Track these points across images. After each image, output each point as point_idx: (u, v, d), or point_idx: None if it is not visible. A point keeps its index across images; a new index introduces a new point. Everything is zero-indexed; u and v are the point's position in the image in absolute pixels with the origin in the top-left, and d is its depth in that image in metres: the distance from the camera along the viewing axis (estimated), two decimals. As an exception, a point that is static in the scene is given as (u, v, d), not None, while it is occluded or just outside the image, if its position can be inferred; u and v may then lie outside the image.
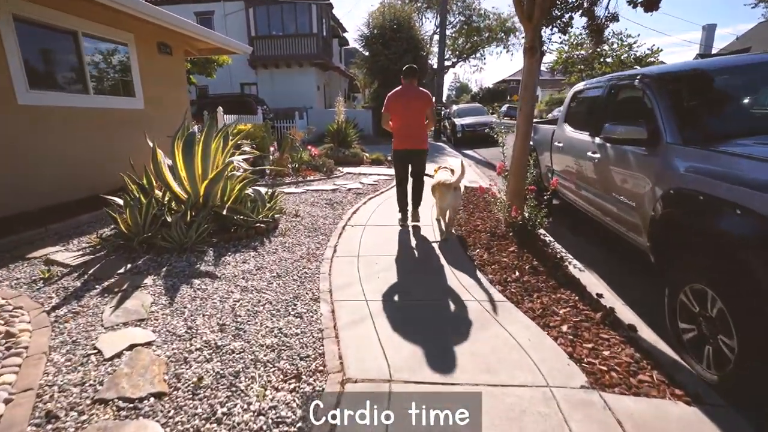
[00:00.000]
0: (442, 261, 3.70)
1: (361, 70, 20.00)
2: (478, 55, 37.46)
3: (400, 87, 4.43)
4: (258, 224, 4.16)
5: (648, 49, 26.26)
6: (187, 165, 4.09)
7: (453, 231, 4.44)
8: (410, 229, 4.69)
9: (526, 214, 4.18)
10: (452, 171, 4.57)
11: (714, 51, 27.79)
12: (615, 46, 27.74)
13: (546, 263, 3.61)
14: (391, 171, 9.00)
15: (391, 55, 17.95)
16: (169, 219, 3.83)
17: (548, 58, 34.76)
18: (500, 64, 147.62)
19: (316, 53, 18.40)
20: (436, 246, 4.11)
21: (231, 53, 9.26)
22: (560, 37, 27.92)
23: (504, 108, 47.86)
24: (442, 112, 19.76)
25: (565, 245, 4.17)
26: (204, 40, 7.77)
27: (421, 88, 4.45)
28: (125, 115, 6.29)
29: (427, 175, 4.87)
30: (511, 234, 4.31)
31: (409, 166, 4.63)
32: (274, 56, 18.51)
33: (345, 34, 27.04)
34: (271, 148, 7.56)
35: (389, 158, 10.39)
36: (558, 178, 4.39)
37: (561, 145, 4.72)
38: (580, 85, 4.80)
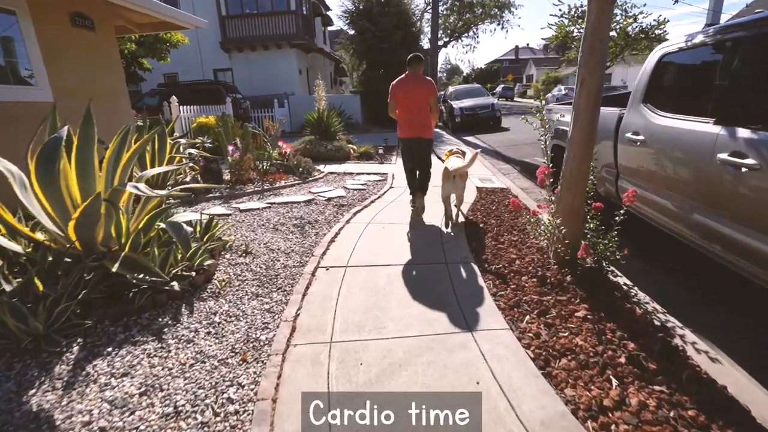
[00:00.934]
0: (482, 363, 2.16)
1: (347, 51, 18.17)
2: (470, 33, 35.49)
3: (404, 75, 4.38)
4: (169, 285, 2.59)
5: (654, 20, 24.56)
6: (49, 191, 2.50)
7: (461, 218, 4.36)
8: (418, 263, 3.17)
9: (585, 242, 2.67)
10: (464, 154, 4.53)
11: (723, 20, 26.11)
12: (619, 17, 25.98)
13: (648, 345, 2.10)
14: (383, 168, 7.45)
15: (379, 32, 16.13)
16: (7, 287, 2.26)
17: (547, 33, 32.79)
18: (492, 44, 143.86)
19: (295, 33, 16.53)
20: (462, 312, 2.56)
21: (180, 28, 7.51)
22: (560, 10, 26.07)
23: (499, 89, 46.06)
24: (438, 94, 18.10)
25: (645, 287, 2.69)
26: (139, 11, 6.05)
27: (425, 77, 4.41)
28: (20, 111, 4.63)
29: (439, 158, 4.80)
30: (568, 278, 2.79)
31: (414, 154, 4.58)
32: (249, 38, 16.62)
33: (329, 13, 24.99)
34: (230, 148, 5.94)
35: (380, 151, 8.77)
36: (636, 189, 2.86)
37: (641, 138, 3.15)
38: (671, 45, 3.16)
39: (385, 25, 16.20)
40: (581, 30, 25.80)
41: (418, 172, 4.64)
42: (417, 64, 4.30)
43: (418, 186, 4.62)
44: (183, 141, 5.75)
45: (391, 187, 6.02)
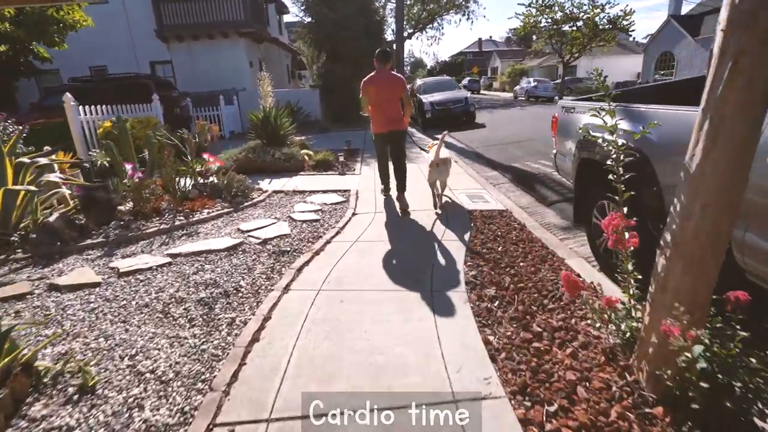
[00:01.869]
0: None
1: (305, 41, 16.36)
2: (435, 24, 34.25)
3: (374, 72, 4.40)
4: None
5: (621, 10, 24.13)
6: None
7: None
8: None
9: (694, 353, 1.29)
10: (445, 144, 4.70)
11: (684, 11, 26.14)
12: (586, 7, 25.44)
13: None
14: (345, 182, 5.98)
15: (339, 19, 14.47)
16: None
17: (513, 24, 31.77)
18: (455, 36, 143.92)
19: (243, 20, 14.58)
20: None
21: (57, 1, 5.62)
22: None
23: (465, 81, 45.16)
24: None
25: None
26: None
27: (395, 74, 4.53)
28: None
29: (423, 149, 5.53)
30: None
31: (388, 148, 4.68)
32: (190, 25, 14.51)
33: (284, 0, 22.93)
34: (128, 167, 4.22)
35: (341, 158, 7.23)
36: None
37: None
38: None
39: (345, 12, 14.55)
40: (549, 20, 25.05)
41: (393, 170, 4.73)
42: (385, 59, 4.35)
43: (398, 185, 4.69)
44: (43, 160, 3.97)
45: (354, 213, 4.51)
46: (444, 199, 4.80)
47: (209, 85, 14.92)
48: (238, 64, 15.46)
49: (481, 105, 21.02)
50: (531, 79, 27.46)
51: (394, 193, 4.79)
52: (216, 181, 5.03)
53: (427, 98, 13.59)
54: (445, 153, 4.51)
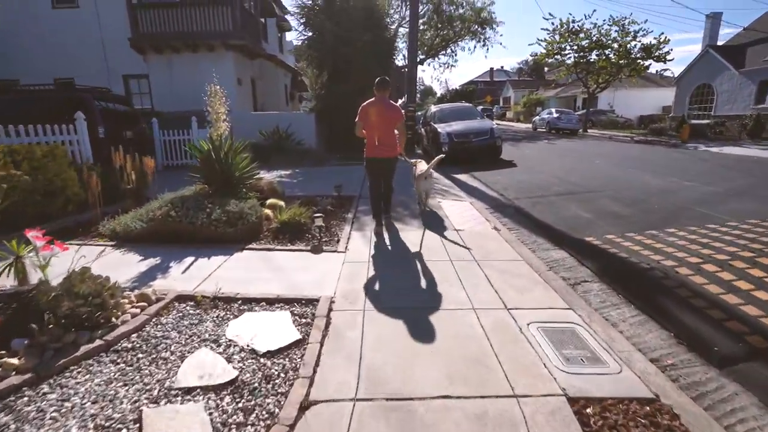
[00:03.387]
0: None
1: (304, 59, 14.26)
2: (448, 51, 32.60)
3: (374, 98, 4.58)
4: None
5: (655, 38, 22.06)
6: None
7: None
8: None
9: None
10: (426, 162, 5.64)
11: (720, 42, 24.05)
12: (614, 34, 23.44)
13: None
14: (317, 273, 3.39)
15: (342, 32, 12.37)
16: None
17: (533, 50, 29.92)
18: (465, 65, 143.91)
19: (231, 31, 12.55)
20: None
21: None
22: (552, 24, 23.27)
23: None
24: (416, 115, 14.34)
25: None
26: None
27: (393, 102, 4.72)
28: None
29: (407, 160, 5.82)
30: None
31: (380, 172, 4.79)
32: (170, 34, 12.49)
33: (290, 17, 21.14)
34: None
35: (318, 220, 4.71)
36: None
37: None
38: None
39: (349, 24, 12.47)
40: (574, 47, 23.02)
41: (383, 188, 4.86)
42: (384, 87, 4.52)
43: (384, 207, 4.93)
44: None
45: (311, 383, 1.99)
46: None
47: (190, 103, 12.72)
48: (224, 82, 13.24)
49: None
50: (553, 110, 25.26)
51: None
52: (44, 285, 2.51)
53: (443, 128, 11.22)
54: (425, 165, 5.50)
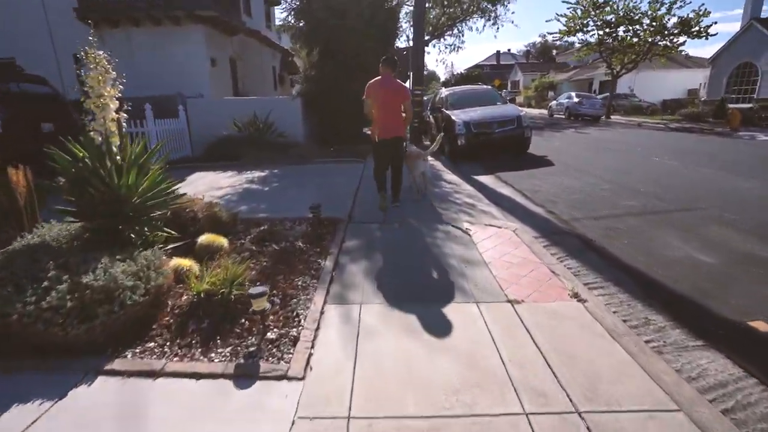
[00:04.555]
0: None
1: (289, 32, 12.00)
2: (455, 31, 30.09)
3: (379, 77, 4.55)
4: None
5: (693, 11, 19.48)
6: None
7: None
8: None
9: None
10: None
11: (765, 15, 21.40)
12: (644, 7, 20.77)
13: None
14: None
15: (336, 3, 10.15)
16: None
17: (552, 27, 27.18)
18: (471, 49, 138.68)
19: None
20: None
21: None
22: (574, -3, 20.65)
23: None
24: (424, 100, 12.10)
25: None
26: None
27: (399, 81, 4.68)
28: None
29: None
30: None
31: (388, 152, 4.74)
32: (126, 5, 10.30)
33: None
34: None
35: (258, 295, 2.56)
36: None
37: None
38: None
39: (344, -7, 10.24)
40: (599, 23, 20.47)
41: (391, 173, 4.87)
42: (389, 65, 4.53)
43: (393, 190, 4.95)
44: None
45: None
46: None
47: (154, 88, 10.62)
48: (193, 61, 11.14)
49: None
50: (573, 94, 22.85)
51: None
52: None
53: (459, 115, 9.04)
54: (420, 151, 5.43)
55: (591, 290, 2.99)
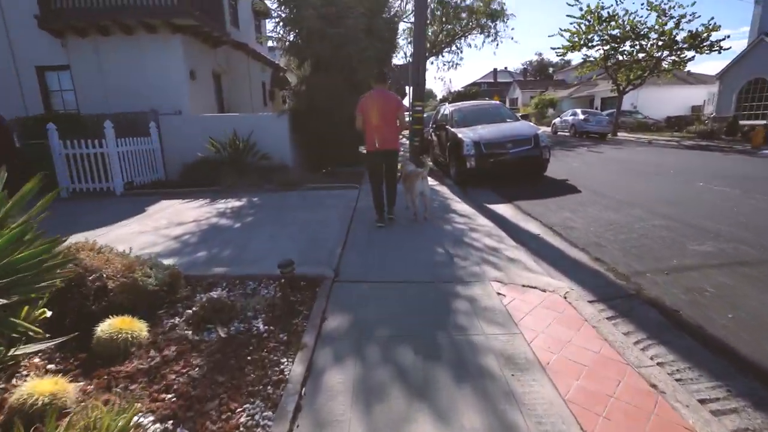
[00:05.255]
0: None
1: (281, 47, 10.98)
2: (453, 48, 29.56)
3: (371, 91, 4.62)
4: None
5: (702, 25, 18.76)
6: None
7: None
8: None
9: None
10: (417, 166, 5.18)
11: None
12: (650, 22, 20.03)
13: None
14: None
15: (326, 6, 9.21)
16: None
17: (556, 42, 26.52)
18: (468, 66, 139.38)
19: (176, 5, 9.33)
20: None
21: None
22: (580, 9, 19.98)
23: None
24: (424, 117, 11.02)
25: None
26: None
27: (392, 93, 4.76)
28: None
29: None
30: None
31: (383, 165, 4.77)
32: (96, 11, 9.28)
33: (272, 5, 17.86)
34: None
35: None
36: None
37: None
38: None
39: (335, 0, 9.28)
40: (605, 37, 19.72)
41: (385, 185, 4.82)
42: (383, 80, 4.72)
43: (388, 200, 4.88)
44: None
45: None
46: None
47: (126, 104, 9.53)
48: (171, 75, 10.06)
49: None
50: (578, 110, 21.99)
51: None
52: None
53: (467, 134, 7.94)
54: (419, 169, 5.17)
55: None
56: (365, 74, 9.78)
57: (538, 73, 74.70)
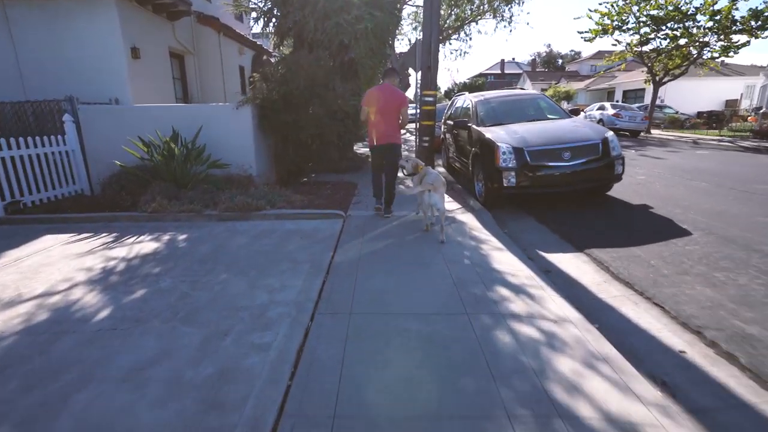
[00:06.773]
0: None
1: (257, 19, 8.51)
2: (461, 35, 26.99)
3: (379, 85, 4.69)
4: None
5: (763, 1, 16.07)
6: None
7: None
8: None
9: None
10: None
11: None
12: (697, 1, 17.37)
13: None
14: None
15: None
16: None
17: (583, 25, 23.66)
18: (473, 56, 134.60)
19: (106, -43, 6.89)
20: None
21: None
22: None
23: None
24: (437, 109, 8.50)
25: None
26: None
27: (397, 89, 4.68)
28: None
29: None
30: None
31: (383, 160, 4.76)
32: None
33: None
34: None
35: None
36: None
37: None
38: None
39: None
40: (642, 17, 16.89)
41: (385, 178, 4.81)
42: (390, 76, 4.73)
43: (386, 197, 4.84)
44: None
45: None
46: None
47: (46, 89, 7.14)
48: (103, 51, 7.63)
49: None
50: (608, 105, 19.36)
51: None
52: None
53: (502, 138, 5.47)
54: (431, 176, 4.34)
55: None
56: (360, 53, 7.36)
57: (547, 65, 71.56)
